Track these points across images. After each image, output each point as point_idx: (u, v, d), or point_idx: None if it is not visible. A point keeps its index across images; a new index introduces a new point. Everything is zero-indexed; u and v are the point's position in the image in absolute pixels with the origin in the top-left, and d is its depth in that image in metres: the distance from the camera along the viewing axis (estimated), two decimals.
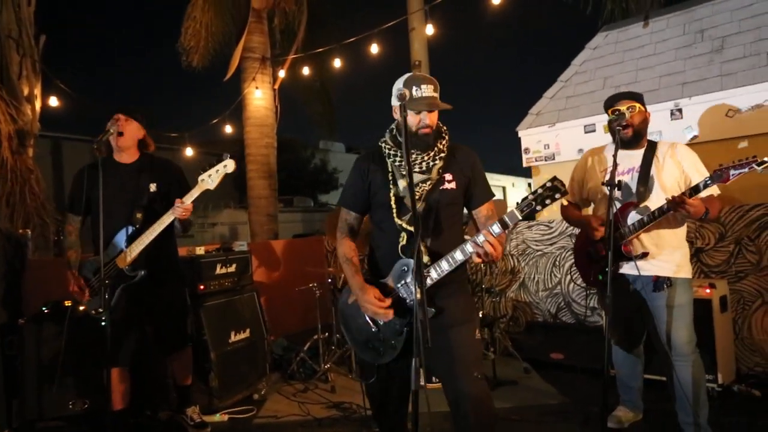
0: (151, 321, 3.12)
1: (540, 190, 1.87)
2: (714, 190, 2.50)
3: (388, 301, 2.06)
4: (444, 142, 2.17)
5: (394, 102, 2.16)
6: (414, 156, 2.12)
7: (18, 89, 6.04)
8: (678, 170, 2.63)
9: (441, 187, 2.12)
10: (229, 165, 2.82)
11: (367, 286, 2.12)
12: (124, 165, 3.07)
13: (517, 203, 1.91)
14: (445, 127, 2.23)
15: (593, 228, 2.68)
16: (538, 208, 1.87)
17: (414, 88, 2.05)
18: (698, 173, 2.56)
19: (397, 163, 2.16)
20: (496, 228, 1.92)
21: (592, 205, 2.99)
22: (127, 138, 3.02)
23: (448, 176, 2.14)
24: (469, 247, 1.96)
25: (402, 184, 2.15)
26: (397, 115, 2.18)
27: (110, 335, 2.58)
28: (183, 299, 3.37)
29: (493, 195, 2.26)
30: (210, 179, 2.83)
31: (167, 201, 2.92)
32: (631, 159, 2.72)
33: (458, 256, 2.00)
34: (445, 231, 2.12)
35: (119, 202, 2.94)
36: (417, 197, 2.09)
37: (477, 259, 1.96)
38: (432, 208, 2.10)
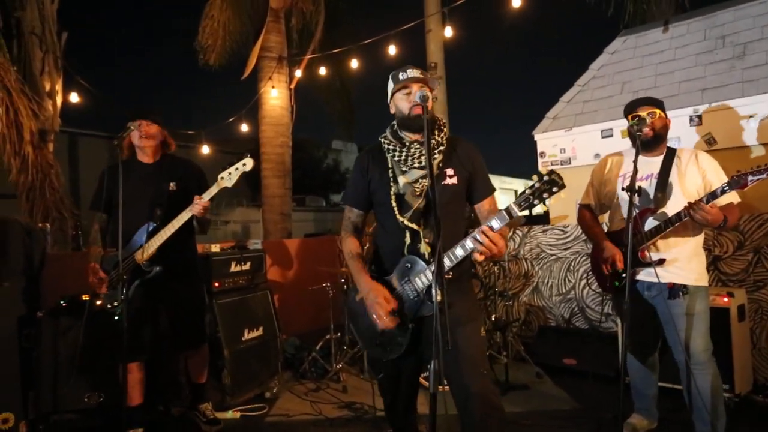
0: (168, 316, 3.16)
1: (537, 184, 1.85)
2: (734, 197, 2.48)
3: (394, 304, 2.05)
4: (442, 134, 2.16)
5: (390, 96, 2.21)
6: (413, 150, 2.11)
7: (40, 85, 6.14)
8: (700, 177, 2.61)
9: (442, 182, 2.10)
10: (248, 163, 2.90)
11: (376, 286, 2.10)
12: (147, 165, 3.17)
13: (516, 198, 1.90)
14: (443, 120, 2.23)
15: (615, 262, 2.67)
16: (536, 202, 1.84)
17: (400, 74, 2.11)
18: (719, 181, 2.53)
19: (396, 158, 2.15)
20: (495, 223, 1.89)
21: (608, 212, 2.98)
22: (151, 140, 3.13)
23: (449, 171, 2.12)
24: (469, 243, 1.93)
25: (402, 180, 2.14)
26: (394, 109, 2.21)
27: (126, 329, 2.64)
28: (201, 297, 3.42)
29: (494, 189, 2.24)
30: (229, 177, 2.91)
31: (187, 200, 2.97)
32: (649, 165, 2.70)
33: (458, 252, 1.96)
34: (448, 226, 2.07)
35: (141, 201, 3.02)
36: (417, 193, 2.09)
37: (479, 257, 1.93)
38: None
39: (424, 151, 2.08)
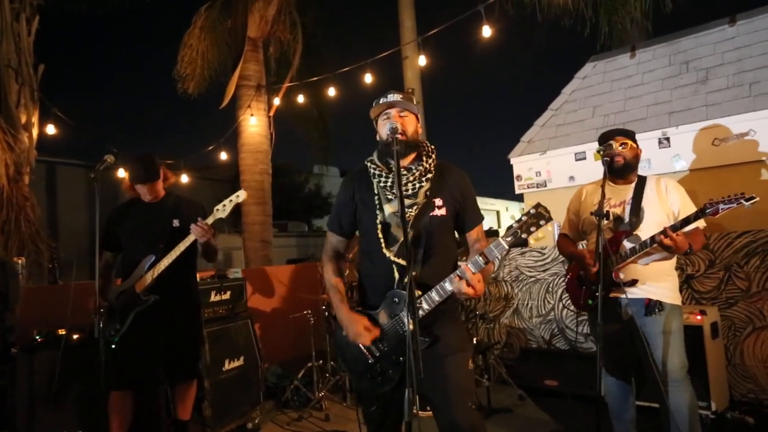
0: (166, 347, 3.19)
1: (524, 218, 1.86)
2: (700, 222, 2.60)
3: (376, 332, 2.05)
4: (430, 161, 2.10)
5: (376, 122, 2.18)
6: (401, 178, 2.04)
7: (16, 118, 6.10)
8: (667, 203, 2.75)
9: (430, 213, 2.04)
10: (241, 195, 3.18)
11: (355, 317, 2.08)
12: (151, 204, 3.28)
13: (505, 232, 1.89)
14: (432, 146, 2.18)
15: (588, 264, 2.76)
16: (524, 236, 1.84)
17: (381, 99, 2.11)
18: (685, 207, 2.70)
19: (382, 185, 2.10)
20: (481, 259, 1.89)
21: (586, 240, 3.08)
22: (155, 192, 3.26)
23: (438, 201, 2.06)
24: (455, 280, 1.92)
25: (388, 210, 2.08)
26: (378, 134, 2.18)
27: (114, 358, 2.82)
28: (199, 330, 3.46)
29: (482, 218, 2.21)
30: (224, 208, 3.12)
31: (187, 235, 3.10)
32: (622, 193, 2.86)
33: (448, 286, 1.94)
34: (436, 259, 2.05)
35: (145, 236, 3.17)
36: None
37: (460, 295, 1.93)
38: (420, 235, 2.01)
39: (411, 178, 2.05)
